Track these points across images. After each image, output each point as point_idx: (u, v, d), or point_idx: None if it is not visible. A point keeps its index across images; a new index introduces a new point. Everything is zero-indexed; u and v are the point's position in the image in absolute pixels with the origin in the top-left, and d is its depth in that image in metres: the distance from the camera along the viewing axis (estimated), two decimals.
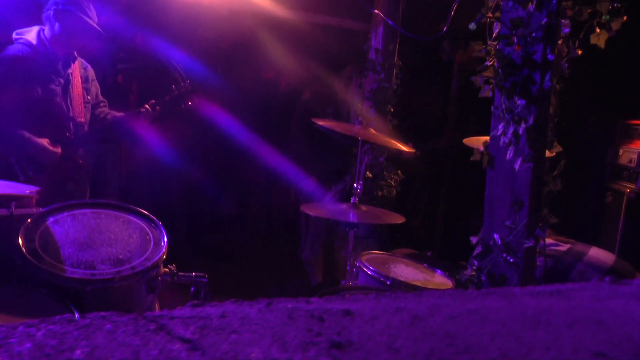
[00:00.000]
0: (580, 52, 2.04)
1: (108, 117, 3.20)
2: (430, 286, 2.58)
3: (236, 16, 4.67)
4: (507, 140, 1.99)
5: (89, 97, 3.12)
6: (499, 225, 2.05)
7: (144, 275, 2.03)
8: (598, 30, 2.00)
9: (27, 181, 2.72)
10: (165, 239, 2.18)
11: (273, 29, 4.68)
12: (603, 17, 1.97)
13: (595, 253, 2.55)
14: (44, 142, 2.88)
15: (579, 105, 4.69)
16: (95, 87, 3.21)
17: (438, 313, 1.02)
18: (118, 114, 3.22)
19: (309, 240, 4.25)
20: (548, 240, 2.30)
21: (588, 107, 4.79)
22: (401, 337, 0.89)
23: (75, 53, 3.07)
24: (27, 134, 2.84)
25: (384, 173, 3.99)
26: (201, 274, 2.24)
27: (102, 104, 3.24)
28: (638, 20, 2.29)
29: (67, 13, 2.91)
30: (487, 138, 2.14)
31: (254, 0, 4.43)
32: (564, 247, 2.70)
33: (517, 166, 1.96)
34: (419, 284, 2.57)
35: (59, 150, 2.92)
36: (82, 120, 3.06)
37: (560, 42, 2.00)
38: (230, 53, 5.25)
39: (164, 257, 2.13)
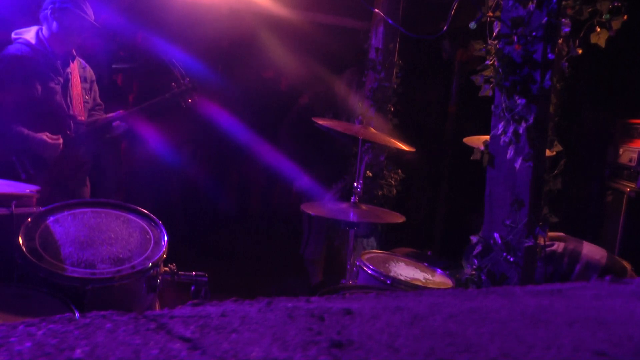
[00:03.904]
0: (580, 51, 2.04)
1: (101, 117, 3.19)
2: (430, 285, 2.58)
3: (237, 15, 4.66)
4: (507, 139, 1.99)
5: (87, 97, 3.12)
6: (499, 224, 2.05)
7: (144, 274, 2.04)
8: (598, 30, 2.00)
9: (28, 180, 2.71)
10: (166, 238, 2.18)
11: (273, 28, 4.68)
12: (603, 16, 1.97)
13: (588, 251, 2.56)
14: (43, 135, 2.85)
15: (579, 105, 4.69)
16: (94, 89, 3.21)
17: (438, 312, 1.02)
18: (109, 115, 3.19)
19: (312, 238, 4.24)
20: None
21: (588, 106, 4.78)
22: (401, 336, 0.89)
23: (74, 52, 3.07)
24: (25, 131, 2.83)
25: (384, 172, 3.99)
26: (201, 273, 2.24)
27: (98, 107, 3.24)
28: (638, 19, 2.29)
29: (64, 11, 2.91)
30: (487, 137, 2.14)
31: None
32: (559, 248, 2.69)
33: (517, 165, 1.96)
34: (419, 283, 2.57)
35: (59, 140, 2.89)
36: (82, 119, 3.06)
37: (560, 41, 2.00)
38: (231, 52, 5.25)
39: (164, 256, 2.13)
